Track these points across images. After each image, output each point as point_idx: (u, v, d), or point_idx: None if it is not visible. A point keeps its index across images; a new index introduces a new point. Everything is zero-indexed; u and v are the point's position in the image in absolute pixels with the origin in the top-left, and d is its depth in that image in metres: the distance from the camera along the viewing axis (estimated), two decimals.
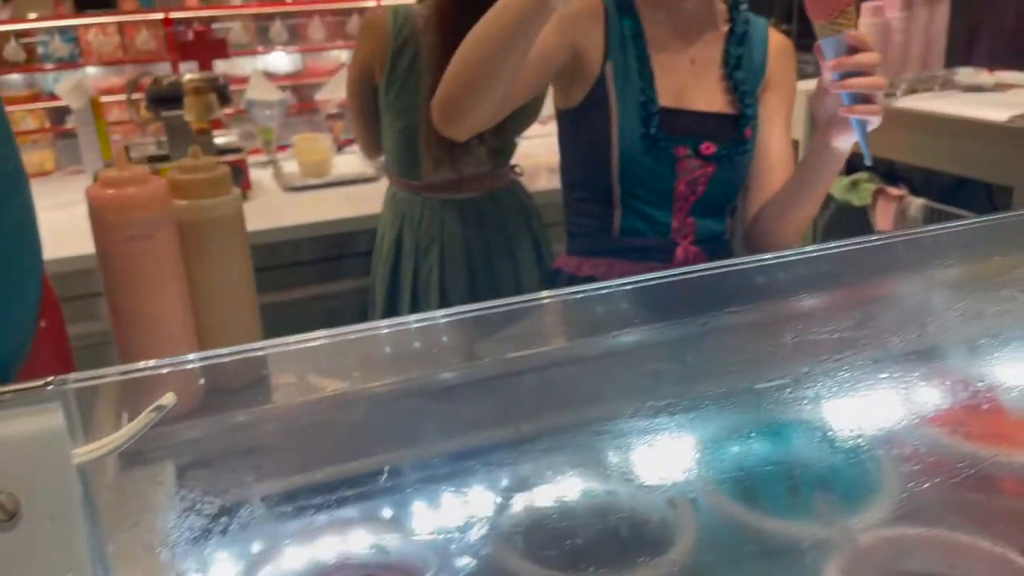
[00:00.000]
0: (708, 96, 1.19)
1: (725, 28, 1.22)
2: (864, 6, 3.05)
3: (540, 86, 1.18)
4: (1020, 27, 3.33)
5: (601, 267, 1.22)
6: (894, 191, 2.68)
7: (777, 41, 1.24)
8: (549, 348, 0.89)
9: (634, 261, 1.21)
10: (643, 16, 1.17)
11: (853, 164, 2.99)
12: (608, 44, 1.16)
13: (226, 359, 0.63)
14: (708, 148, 1.16)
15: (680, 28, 1.19)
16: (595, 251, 1.24)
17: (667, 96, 1.17)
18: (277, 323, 2.19)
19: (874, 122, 0.96)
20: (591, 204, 1.22)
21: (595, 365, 0.92)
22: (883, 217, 2.70)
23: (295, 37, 4.08)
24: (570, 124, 1.23)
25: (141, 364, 0.55)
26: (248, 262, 0.90)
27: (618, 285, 0.78)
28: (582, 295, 0.83)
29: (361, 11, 3.86)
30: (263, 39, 4.06)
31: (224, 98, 2.10)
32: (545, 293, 0.75)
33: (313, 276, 2.12)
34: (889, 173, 2.86)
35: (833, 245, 0.81)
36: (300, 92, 4.05)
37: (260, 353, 0.67)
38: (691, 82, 1.19)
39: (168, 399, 0.39)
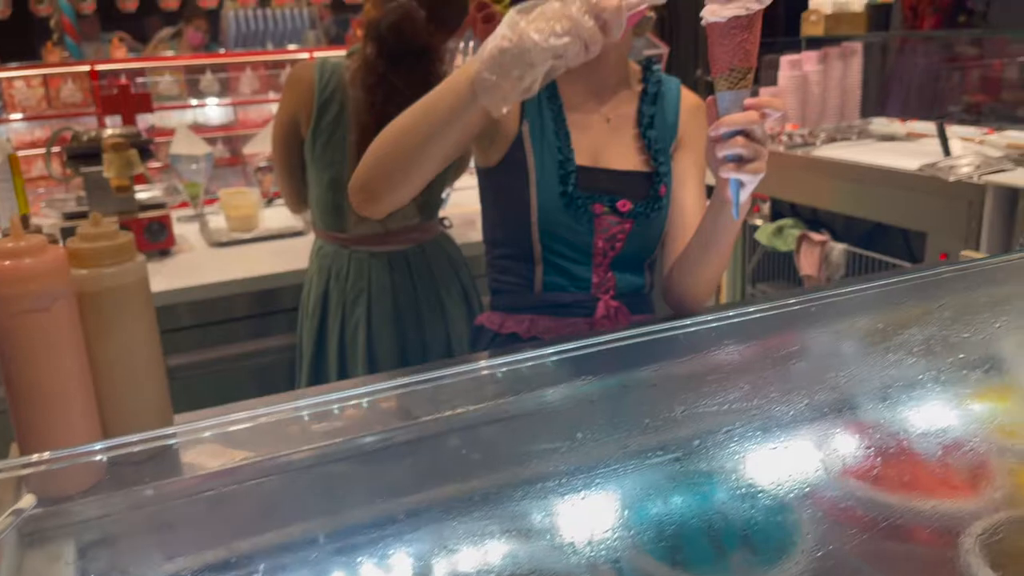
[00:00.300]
0: (623, 155, 1.21)
1: (638, 88, 1.25)
2: (783, 60, 3.18)
3: (460, 153, 1.18)
4: (928, 80, 3.50)
5: (524, 323, 1.23)
6: (817, 237, 2.76)
7: (689, 100, 1.28)
8: (458, 412, 0.88)
9: (556, 317, 1.22)
10: (559, 76, 1.19)
11: (779, 211, 3.08)
12: (524, 106, 1.17)
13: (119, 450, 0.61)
14: (624, 205, 1.18)
15: (595, 88, 1.22)
16: (518, 307, 1.24)
17: (583, 155, 1.19)
18: (202, 383, 2.13)
19: (747, 182, 0.94)
20: (513, 261, 1.23)
21: (518, 425, 0.91)
22: (807, 262, 2.79)
23: (227, 89, 4.05)
24: (490, 183, 1.24)
25: (21, 460, 0.52)
26: (154, 332, 0.87)
27: (544, 355, 0.78)
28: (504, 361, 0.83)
29: (294, 63, 3.86)
30: (194, 91, 4.02)
31: (146, 153, 2.06)
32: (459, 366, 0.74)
33: (241, 333, 2.08)
34: (812, 219, 2.96)
35: (752, 308, 0.83)
36: (232, 144, 4.01)
37: (160, 443, 0.64)
38: (607, 141, 1.21)
39: (27, 502, 0.37)
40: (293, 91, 1.76)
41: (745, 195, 0.99)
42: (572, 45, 0.81)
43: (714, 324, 0.76)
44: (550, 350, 0.71)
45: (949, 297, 0.96)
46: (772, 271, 3.06)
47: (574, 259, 1.20)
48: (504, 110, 0.87)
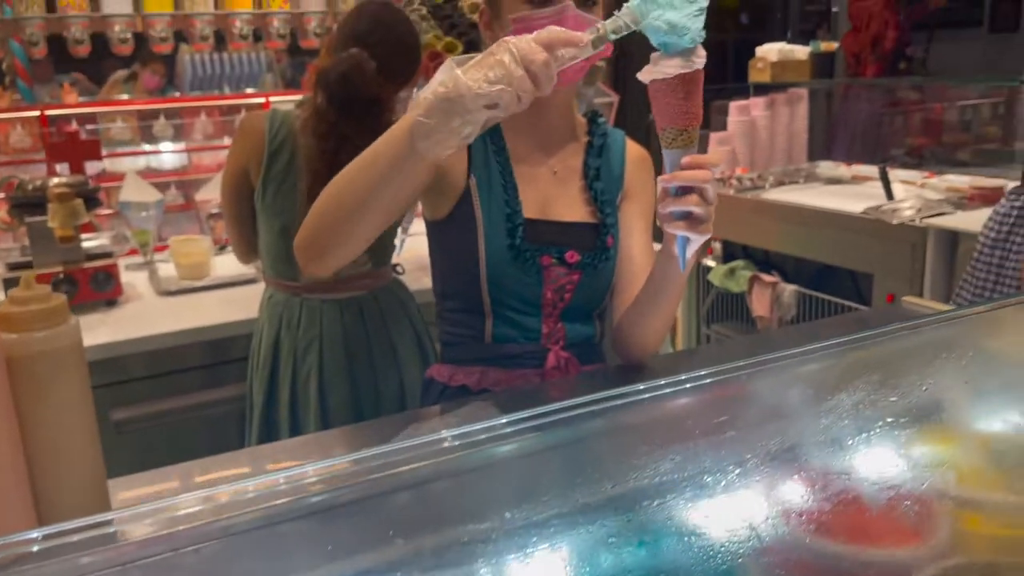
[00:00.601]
0: (570, 206, 1.23)
1: (585, 140, 1.27)
2: (732, 105, 3.27)
3: (406, 207, 1.19)
4: (871, 125, 3.62)
5: (474, 375, 1.22)
6: (768, 278, 2.81)
7: (634, 152, 1.30)
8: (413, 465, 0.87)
9: (506, 368, 1.22)
10: (505, 130, 1.21)
11: (732, 253, 3.14)
12: (472, 159, 1.18)
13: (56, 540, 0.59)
14: (572, 256, 1.19)
15: (542, 141, 1.23)
16: (468, 359, 1.23)
17: (531, 207, 1.20)
18: (152, 436, 2.08)
19: (693, 241, 0.96)
20: (462, 313, 1.23)
21: (465, 479, 0.90)
22: (759, 303, 2.83)
23: (181, 133, 4.02)
24: (438, 236, 1.24)
25: None
26: (88, 397, 0.85)
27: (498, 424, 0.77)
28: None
29: (249, 107, 3.85)
30: (147, 135, 3.98)
31: (93, 202, 2.03)
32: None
33: (191, 384, 2.03)
34: (764, 261, 3.02)
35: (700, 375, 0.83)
36: (186, 188, 3.97)
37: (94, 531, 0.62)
38: (554, 193, 1.22)
39: None
40: (243, 140, 1.75)
41: (691, 251, 1.00)
42: (505, 94, 0.82)
43: (667, 391, 0.76)
44: (504, 420, 0.71)
45: (889, 346, 0.98)
46: (726, 312, 3.10)
47: (523, 311, 1.20)
48: (443, 156, 0.88)
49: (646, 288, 1.14)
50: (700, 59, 0.91)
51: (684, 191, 0.94)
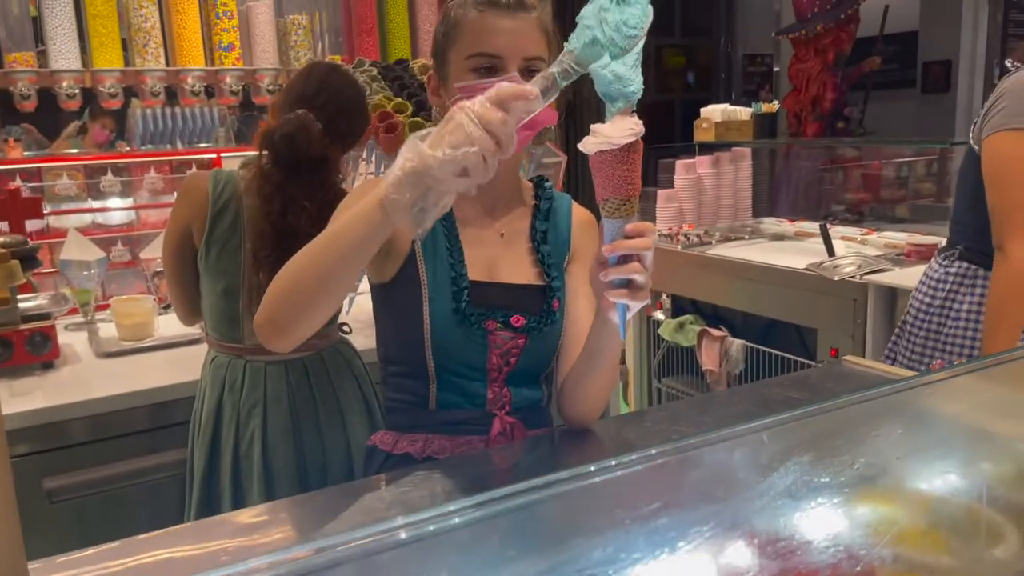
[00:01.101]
0: (517, 269, 1.23)
1: (531, 204, 1.28)
2: (678, 164, 3.35)
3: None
4: (812, 183, 3.74)
5: (418, 443, 1.20)
6: (716, 332, 2.85)
7: (580, 215, 1.32)
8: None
9: (451, 435, 1.20)
10: None
11: (682, 307, 3.18)
12: None
13: None
14: (518, 320, 1.20)
15: (489, 204, 1.24)
16: (412, 426, 1.22)
17: (476, 270, 1.20)
18: (90, 504, 1.99)
19: (633, 307, 0.97)
20: (406, 379, 1.21)
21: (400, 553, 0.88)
22: (708, 357, 2.86)
23: (129, 188, 3.96)
24: (383, 299, 1.24)
25: None
26: (7, 474, 0.81)
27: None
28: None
29: (199, 163, 3.83)
30: (94, 191, 3.92)
31: (32, 262, 1.98)
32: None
33: (130, 450, 1.96)
34: (713, 315, 3.06)
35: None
36: (133, 244, 3.90)
37: None
38: (500, 255, 1.23)
39: None
40: (186, 201, 1.74)
41: (630, 316, 1.02)
42: (470, 156, 0.83)
43: (617, 473, 0.76)
44: (452, 507, 0.70)
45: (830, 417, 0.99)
46: (676, 366, 3.13)
47: (468, 376, 1.20)
48: (420, 230, 0.88)
49: (583, 354, 1.15)
50: (641, 128, 0.93)
51: (625, 259, 0.95)
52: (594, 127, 0.93)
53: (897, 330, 1.88)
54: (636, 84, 0.91)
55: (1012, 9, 5.10)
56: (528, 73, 1.14)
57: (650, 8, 0.89)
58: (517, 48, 1.12)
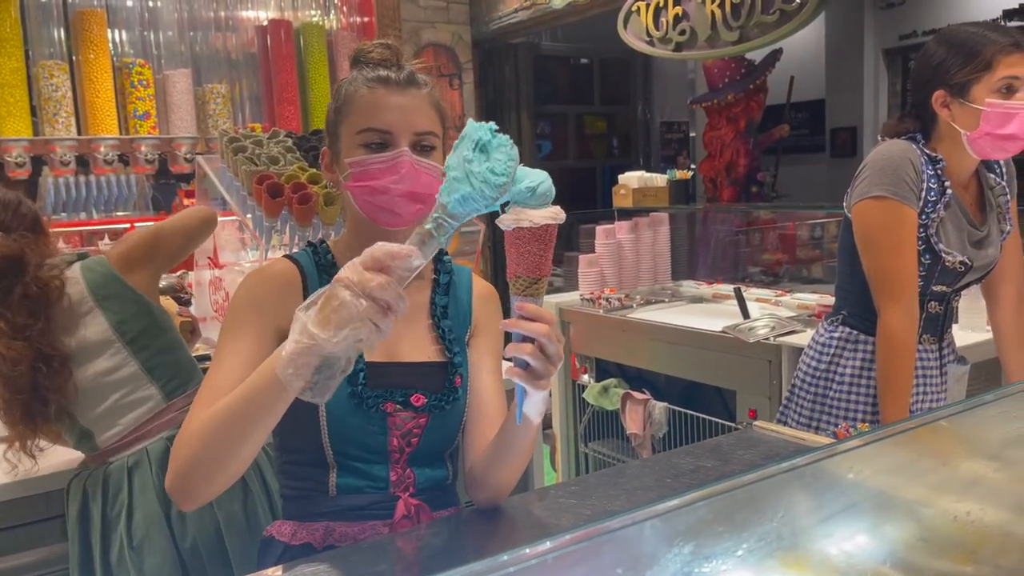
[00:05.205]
0: (417, 346, 1.21)
1: (431, 278, 1.26)
2: (598, 229, 3.40)
3: None
4: (728, 245, 3.84)
5: (318, 532, 1.15)
6: (640, 395, 2.86)
7: (480, 288, 1.30)
8: None
9: (353, 521, 1.15)
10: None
11: (606, 371, 3.19)
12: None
13: None
14: (418, 400, 1.16)
15: None
16: (312, 515, 1.16)
17: (375, 350, 1.17)
18: None
19: (532, 395, 0.96)
20: (304, 467, 1.16)
21: None
22: (632, 420, 2.86)
23: None
24: None
25: None
26: None
27: None
28: None
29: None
30: None
31: None
32: None
33: (11, 544, 1.82)
34: (637, 378, 3.07)
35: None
36: None
37: None
38: (399, 333, 1.20)
39: None
40: None
41: (531, 407, 0.99)
42: (359, 331, 0.81)
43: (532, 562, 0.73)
44: None
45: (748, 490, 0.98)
46: (601, 430, 3.12)
47: (369, 459, 1.15)
48: (327, 397, 0.86)
49: (493, 444, 1.13)
50: (562, 216, 0.94)
51: (525, 340, 0.94)
52: (515, 206, 0.93)
53: (788, 393, 1.90)
54: (546, 181, 0.92)
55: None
56: (420, 149, 1.13)
57: (515, 151, 0.86)
58: (408, 124, 1.12)
